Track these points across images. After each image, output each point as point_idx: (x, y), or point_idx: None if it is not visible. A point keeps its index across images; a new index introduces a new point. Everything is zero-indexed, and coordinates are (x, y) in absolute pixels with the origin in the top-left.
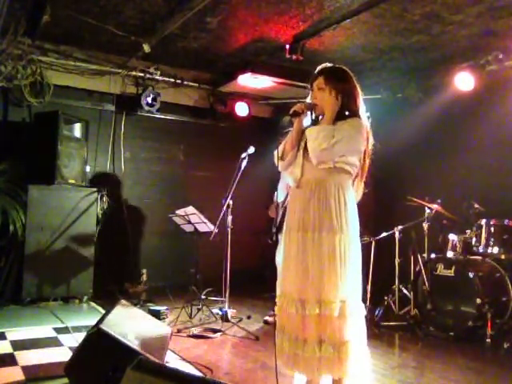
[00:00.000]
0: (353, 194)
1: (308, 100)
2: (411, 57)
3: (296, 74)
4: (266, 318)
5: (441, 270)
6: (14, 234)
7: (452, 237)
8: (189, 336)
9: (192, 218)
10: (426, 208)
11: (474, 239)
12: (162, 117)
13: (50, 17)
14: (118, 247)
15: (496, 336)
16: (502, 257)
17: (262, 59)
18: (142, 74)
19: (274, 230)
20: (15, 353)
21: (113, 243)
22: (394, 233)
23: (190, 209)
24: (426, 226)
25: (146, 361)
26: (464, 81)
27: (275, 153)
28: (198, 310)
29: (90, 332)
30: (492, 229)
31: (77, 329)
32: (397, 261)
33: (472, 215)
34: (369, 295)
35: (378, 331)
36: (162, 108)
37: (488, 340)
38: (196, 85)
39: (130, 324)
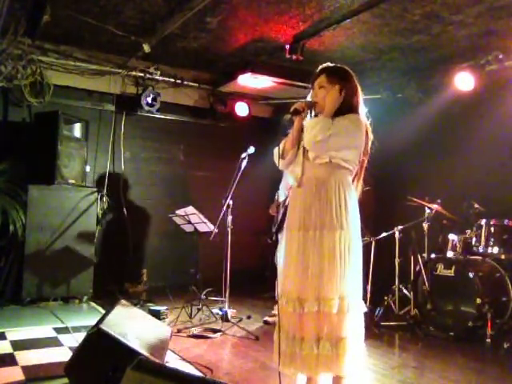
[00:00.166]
0: (354, 191)
1: (308, 98)
2: (411, 57)
3: (296, 73)
4: (266, 318)
5: (441, 270)
6: (14, 234)
7: (452, 237)
8: (189, 336)
9: (192, 218)
10: (426, 208)
11: (474, 239)
12: (162, 117)
13: (50, 17)
14: (118, 247)
15: (496, 336)
16: (502, 257)
17: (261, 59)
18: (141, 74)
19: (273, 229)
20: (15, 353)
21: (113, 243)
22: (394, 233)
23: (190, 209)
24: (425, 226)
25: (145, 361)
26: (464, 81)
27: (275, 151)
28: (198, 310)
29: (89, 332)
30: (492, 229)
31: (77, 329)
32: (397, 261)
33: (472, 215)
34: (369, 295)
35: (377, 331)
36: (162, 108)
37: (488, 340)
38: (196, 85)
39: (130, 324)
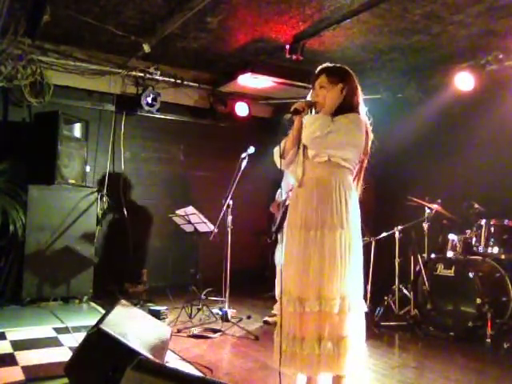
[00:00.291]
0: (355, 191)
1: (308, 98)
2: (411, 57)
3: (296, 73)
4: (266, 318)
5: (441, 270)
6: (14, 234)
7: (452, 237)
8: (189, 336)
9: (192, 218)
10: (426, 208)
11: (474, 239)
12: (162, 117)
13: (50, 17)
14: (118, 247)
15: (496, 336)
16: (502, 257)
17: (261, 59)
18: (141, 74)
19: (273, 229)
20: (15, 353)
21: (113, 243)
22: (394, 233)
23: (190, 209)
24: (425, 226)
25: (145, 361)
26: (464, 81)
27: (275, 151)
28: (198, 310)
29: (89, 332)
30: (492, 229)
31: (77, 329)
32: (397, 261)
33: (472, 215)
34: (369, 295)
35: (377, 331)
36: (162, 108)
37: (488, 340)
38: (196, 85)
39: (130, 324)
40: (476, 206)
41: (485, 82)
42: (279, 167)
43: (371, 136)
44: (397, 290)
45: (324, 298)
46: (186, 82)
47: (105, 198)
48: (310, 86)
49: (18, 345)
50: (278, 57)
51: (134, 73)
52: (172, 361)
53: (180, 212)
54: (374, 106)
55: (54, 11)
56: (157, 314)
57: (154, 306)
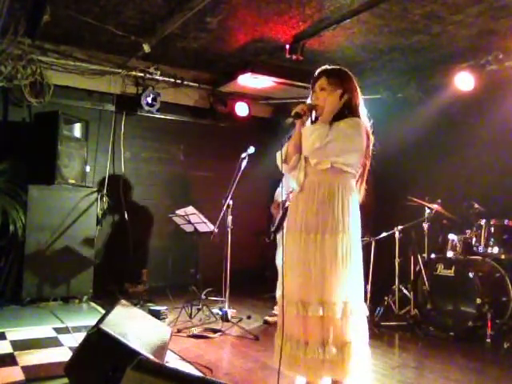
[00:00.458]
0: (356, 195)
1: (308, 101)
2: (411, 57)
3: (296, 73)
4: (266, 317)
5: (441, 270)
6: (14, 234)
7: (452, 237)
8: (189, 336)
9: (192, 218)
10: (426, 208)
11: (474, 239)
12: (162, 117)
13: (49, 17)
14: (118, 247)
15: (496, 336)
16: (502, 257)
17: (261, 59)
18: (141, 74)
19: (272, 229)
20: (15, 353)
21: (113, 243)
22: (394, 233)
23: (190, 209)
24: (426, 226)
25: (145, 361)
26: (464, 81)
27: (278, 155)
28: (198, 310)
29: (89, 332)
30: (492, 229)
31: (77, 329)
32: (397, 261)
33: (472, 215)
34: (369, 295)
35: (377, 331)
36: (162, 108)
37: (488, 340)
38: (196, 85)
39: (130, 324)
40: (476, 206)
41: (485, 82)
42: (282, 172)
43: (372, 139)
44: (397, 290)
45: (326, 302)
46: (186, 82)
47: (105, 198)
48: (310, 88)
49: (18, 345)
50: (278, 57)
51: (133, 73)
52: (172, 361)
53: (180, 212)
54: (374, 106)
55: (54, 11)
56: (157, 314)
57: (154, 305)
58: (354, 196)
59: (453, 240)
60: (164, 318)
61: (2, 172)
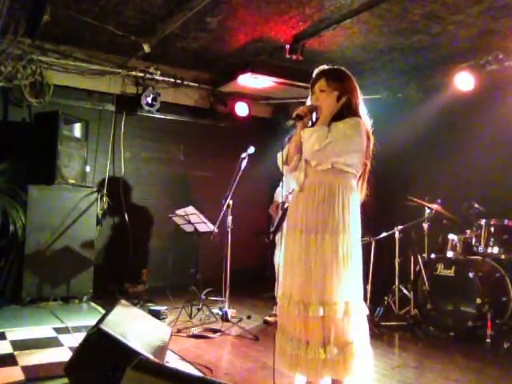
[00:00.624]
0: (357, 195)
1: (308, 102)
2: (411, 57)
3: (296, 74)
4: (266, 318)
5: (441, 270)
6: (14, 234)
7: (452, 237)
8: (189, 336)
9: (192, 218)
10: (426, 208)
11: (473, 239)
12: (162, 117)
13: (49, 17)
14: (118, 247)
15: (496, 336)
16: (502, 257)
17: (261, 59)
18: (141, 74)
19: (271, 229)
20: (15, 353)
21: (113, 243)
22: (394, 233)
23: (190, 209)
24: (426, 226)
25: (145, 361)
26: (464, 81)
27: (279, 156)
28: (198, 310)
29: (89, 332)
30: (492, 229)
31: (77, 329)
32: (397, 261)
33: (472, 215)
34: (369, 295)
35: (377, 331)
36: (162, 108)
37: (488, 340)
38: (196, 85)
39: (130, 324)
40: (476, 205)
41: (485, 82)
42: (283, 172)
43: (372, 138)
44: (397, 290)
45: (327, 303)
46: (186, 82)
47: (105, 198)
48: (310, 89)
49: (18, 345)
50: (278, 57)
51: (133, 73)
52: (172, 361)
53: (180, 212)
54: (374, 106)
55: (54, 11)
56: (157, 314)
57: (154, 305)
58: (355, 196)
59: (453, 240)
60: (164, 318)
61: (2, 172)
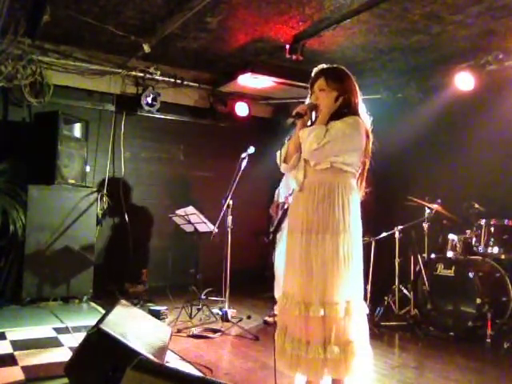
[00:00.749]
0: (357, 194)
1: (307, 101)
2: (411, 57)
3: (296, 73)
4: (266, 317)
5: (441, 270)
6: (14, 234)
7: (452, 237)
8: (189, 336)
9: (192, 218)
10: (426, 208)
11: (474, 239)
12: (162, 117)
13: (49, 17)
14: (118, 247)
15: (496, 336)
16: (502, 257)
17: (261, 59)
18: (141, 74)
19: (271, 229)
20: (15, 353)
21: (113, 243)
22: (394, 233)
23: (190, 209)
24: (426, 226)
25: (145, 361)
26: (464, 81)
27: (278, 154)
28: (198, 310)
29: (89, 332)
30: (492, 229)
31: (77, 329)
32: (397, 261)
33: (472, 215)
34: (369, 295)
35: (377, 331)
36: (162, 108)
37: (488, 340)
38: (196, 85)
39: (130, 324)
40: (476, 205)
41: (485, 82)
42: (283, 171)
43: (371, 137)
44: (397, 290)
45: (328, 303)
46: (186, 82)
47: (105, 198)
48: (309, 88)
49: (18, 345)
50: (278, 57)
51: (133, 73)
52: (172, 361)
53: (180, 212)
54: (374, 106)
55: (54, 11)
56: (157, 314)
57: (154, 305)
58: (355, 195)
59: (453, 240)
60: (164, 318)
61: (2, 172)
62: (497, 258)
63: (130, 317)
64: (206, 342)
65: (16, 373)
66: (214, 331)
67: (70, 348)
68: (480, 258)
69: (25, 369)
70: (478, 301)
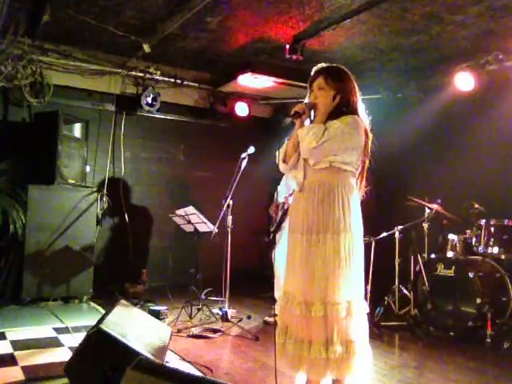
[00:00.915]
0: (357, 193)
1: (306, 100)
2: (411, 57)
3: (296, 74)
4: (266, 317)
5: (441, 269)
6: (14, 234)
7: (452, 237)
8: (189, 336)
9: (192, 218)
10: (426, 208)
11: (474, 239)
12: (162, 117)
13: (49, 17)
14: (118, 247)
15: (496, 336)
16: (502, 257)
17: (261, 59)
18: (141, 74)
19: (271, 229)
20: (15, 353)
21: (113, 243)
22: (394, 233)
23: (190, 209)
24: (425, 226)
25: (145, 361)
26: (464, 81)
27: (277, 154)
28: (198, 310)
29: (89, 332)
30: (492, 229)
31: (77, 329)
32: (397, 261)
33: (472, 215)
34: (369, 295)
35: (377, 331)
36: (162, 108)
37: (488, 340)
38: (196, 85)
39: (130, 324)
40: (476, 205)
41: (485, 82)
42: (281, 171)
43: (371, 136)
44: (397, 290)
45: (330, 303)
46: (185, 82)
47: (105, 198)
48: (308, 87)
49: (18, 345)
50: (278, 57)
51: (133, 73)
52: (172, 361)
53: (180, 212)
54: (374, 106)
55: (54, 11)
56: (157, 314)
57: (154, 305)
58: (355, 194)
59: (453, 240)
60: (164, 318)
61: (2, 172)
62: (497, 258)
63: (129, 317)
64: (206, 342)
65: (16, 373)
66: (214, 331)
67: (70, 348)
68: (480, 258)
69: (25, 369)
70: (478, 301)
